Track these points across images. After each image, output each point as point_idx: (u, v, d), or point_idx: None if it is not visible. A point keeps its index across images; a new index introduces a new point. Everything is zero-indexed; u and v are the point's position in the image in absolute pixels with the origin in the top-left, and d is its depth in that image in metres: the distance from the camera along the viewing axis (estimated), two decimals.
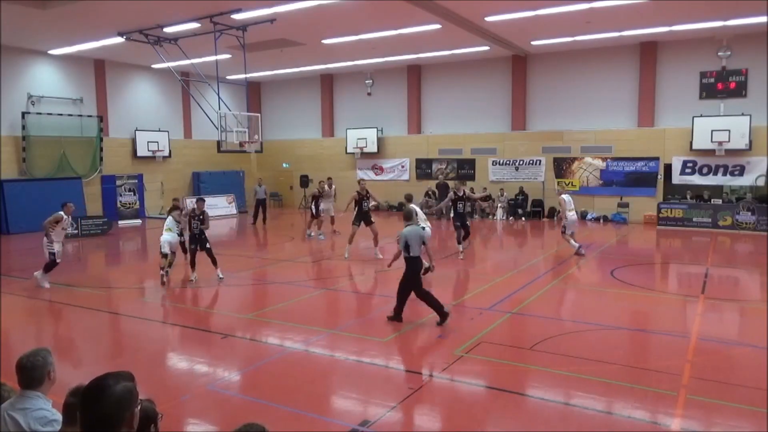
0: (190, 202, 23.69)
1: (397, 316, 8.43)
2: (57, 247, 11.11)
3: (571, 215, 14.52)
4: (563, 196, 14.78)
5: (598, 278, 12.15)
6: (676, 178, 19.94)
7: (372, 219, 14.25)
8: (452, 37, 18.84)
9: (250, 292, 11.33)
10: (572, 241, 14.30)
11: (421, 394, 5.91)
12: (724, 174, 19.24)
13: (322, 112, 27.61)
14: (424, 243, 8.47)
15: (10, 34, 17.50)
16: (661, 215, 19.42)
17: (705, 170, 19.52)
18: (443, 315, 8.19)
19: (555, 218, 18.36)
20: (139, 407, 2.22)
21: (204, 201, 12.07)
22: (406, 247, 8.28)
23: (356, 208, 14.22)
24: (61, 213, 11.20)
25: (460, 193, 14.47)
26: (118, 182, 22.27)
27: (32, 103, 20.42)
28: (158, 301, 10.49)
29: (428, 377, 6.35)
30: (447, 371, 6.51)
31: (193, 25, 16.70)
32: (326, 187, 17.73)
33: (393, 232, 18.09)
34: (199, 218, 11.48)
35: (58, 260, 11.14)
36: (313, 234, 17.43)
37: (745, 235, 17.74)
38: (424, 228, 11.30)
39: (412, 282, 8.35)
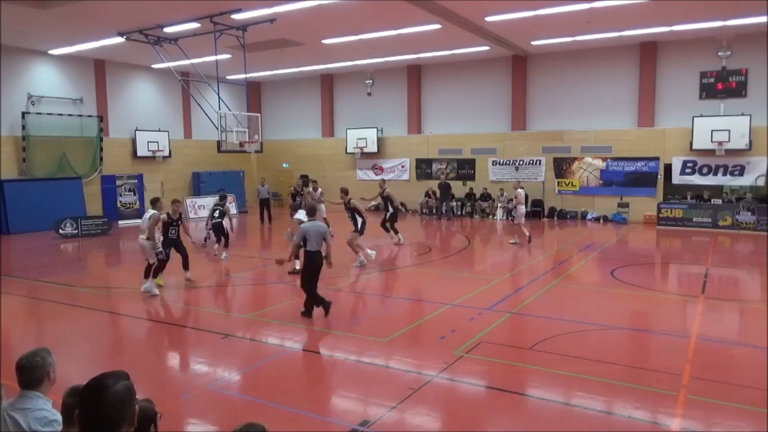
0: (191, 203, 23.80)
1: (308, 310, 8.77)
2: (161, 246, 10.35)
3: (521, 208, 15.96)
4: (519, 190, 16.07)
5: (598, 278, 12.15)
6: (676, 178, 19.94)
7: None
8: (452, 37, 18.84)
9: (250, 292, 11.33)
10: (525, 231, 15.79)
11: (421, 394, 5.90)
12: (724, 174, 19.24)
13: (322, 112, 27.61)
14: (325, 239, 8.80)
15: (10, 34, 17.50)
16: (661, 215, 19.42)
17: (705, 170, 19.52)
18: (308, 310, 8.73)
19: (510, 214, 20.42)
20: (137, 406, 2.23)
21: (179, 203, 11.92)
22: (304, 241, 8.63)
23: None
24: (155, 211, 10.36)
25: (384, 194, 15.76)
26: (118, 182, 22.26)
27: (32, 103, 20.42)
28: (158, 301, 10.48)
29: (428, 377, 6.35)
30: (447, 371, 6.51)
31: (193, 25, 16.70)
32: (311, 190, 17.54)
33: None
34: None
35: (163, 258, 10.40)
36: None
37: (745, 235, 17.74)
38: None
39: (309, 274, 8.72)
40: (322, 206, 17.75)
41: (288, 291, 11.12)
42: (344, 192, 13.72)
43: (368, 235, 16.15)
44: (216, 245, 14.22)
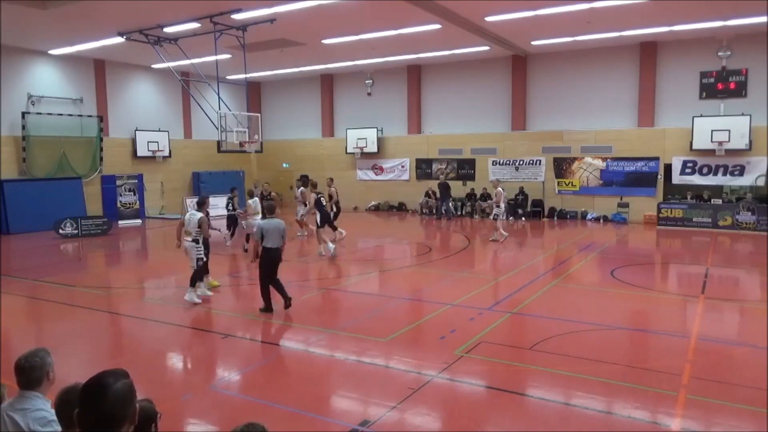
0: (191, 203, 23.77)
1: (267, 308, 9.09)
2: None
3: (503, 206, 16.47)
4: (499, 188, 16.42)
5: (598, 278, 12.15)
6: (676, 178, 19.94)
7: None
8: (452, 37, 18.84)
9: (250, 292, 11.32)
10: (501, 230, 16.30)
11: (421, 394, 5.90)
12: (724, 174, 19.24)
13: (322, 112, 27.61)
14: (283, 236, 9.15)
15: (10, 34, 17.50)
16: (661, 215, 19.41)
17: (705, 170, 19.52)
18: (287, 301, 9.09)
19: (487, 213, 21.09)
20: (137, 405, 2.21)
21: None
22: (262, 237, 9.00)
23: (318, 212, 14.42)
24: (201, 214, 10.02)
25: (329, 192, 16.45)
26: (118, 182, 22.27)
27: (32, 103, 20.42)
28: (158, 301, 10.48)
29: (428, 377, 6.35)
30: (447, 371, 6.51)
31: (193, 25, 16.70)
32: (296, 191, 17.48)
33: (392, 231, 18.07)
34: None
35: (203, 264, 10.05)
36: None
37: (745, 235, 17.74)
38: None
39: (265, 269, 9.07)
40: (300, 208, 17.65)
41: (288, 291, 11.10)
42: (313, 186, 15.47)
43: (366, 236, 16.19)
44: (228, 237, 16.03)
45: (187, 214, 10.18)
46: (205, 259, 10.07)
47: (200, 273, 10.03)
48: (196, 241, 9.90)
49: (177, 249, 10.55)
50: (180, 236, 10.22)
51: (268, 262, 9.06)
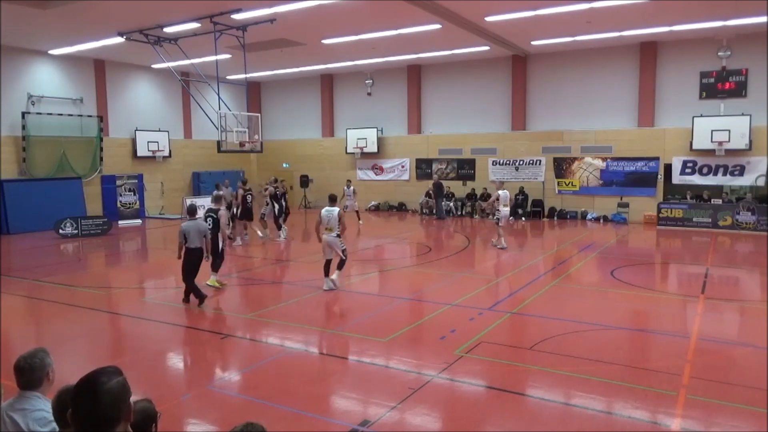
0: (188, 201, 23.75)
1: (186, 298, 9.74)
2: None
3: (505, 210, 15.36)
4: (500, 192, 15.51)
5: (598, 278, 12.14)
6: (676, 178, 19.94)
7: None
8: (452, 37, 18.84)
9: (250, 292, 11.33)
10: (502, 239, 15.25)
11: (421, 394, 5.90)
12: (724, 174, 19.24)
13: (322, 112, 27.61)
14: (205, 236, 9.64)
15: (10, 34, 17.51)
16: (661, 215, 19.41)
17: (705, 170, 19.52)
18: (186, 298, 9.71)
19: (480, 214, 21.81)
20: (132, 402, 2.17)
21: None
22: (185, 238, 9.49)
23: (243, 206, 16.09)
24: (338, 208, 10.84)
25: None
26: (118, 182, 22.27)
27: (32, 103, 20.42)
28: (158, 301, 10.49)
29: (428, 377, 6.35)
30: (447, 371, 6.51)
31: (193, 25, 16.70)
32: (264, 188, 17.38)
33: (391, 231, 18.03)
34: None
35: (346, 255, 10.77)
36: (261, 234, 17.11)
37: (745, 235, 17.74)
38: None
39: (186, 268, 9.57)
40: (264, 208, 17.74)
41: (288, 291, 11.12)
42: (243, 183, 16.64)
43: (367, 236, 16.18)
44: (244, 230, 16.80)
45: (324, 212, 10.58)
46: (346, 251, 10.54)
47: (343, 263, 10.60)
48: (338, 235, 10.43)
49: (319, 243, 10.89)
50: (320, 233, 10.63)
51: (189, 261, 9.53)
